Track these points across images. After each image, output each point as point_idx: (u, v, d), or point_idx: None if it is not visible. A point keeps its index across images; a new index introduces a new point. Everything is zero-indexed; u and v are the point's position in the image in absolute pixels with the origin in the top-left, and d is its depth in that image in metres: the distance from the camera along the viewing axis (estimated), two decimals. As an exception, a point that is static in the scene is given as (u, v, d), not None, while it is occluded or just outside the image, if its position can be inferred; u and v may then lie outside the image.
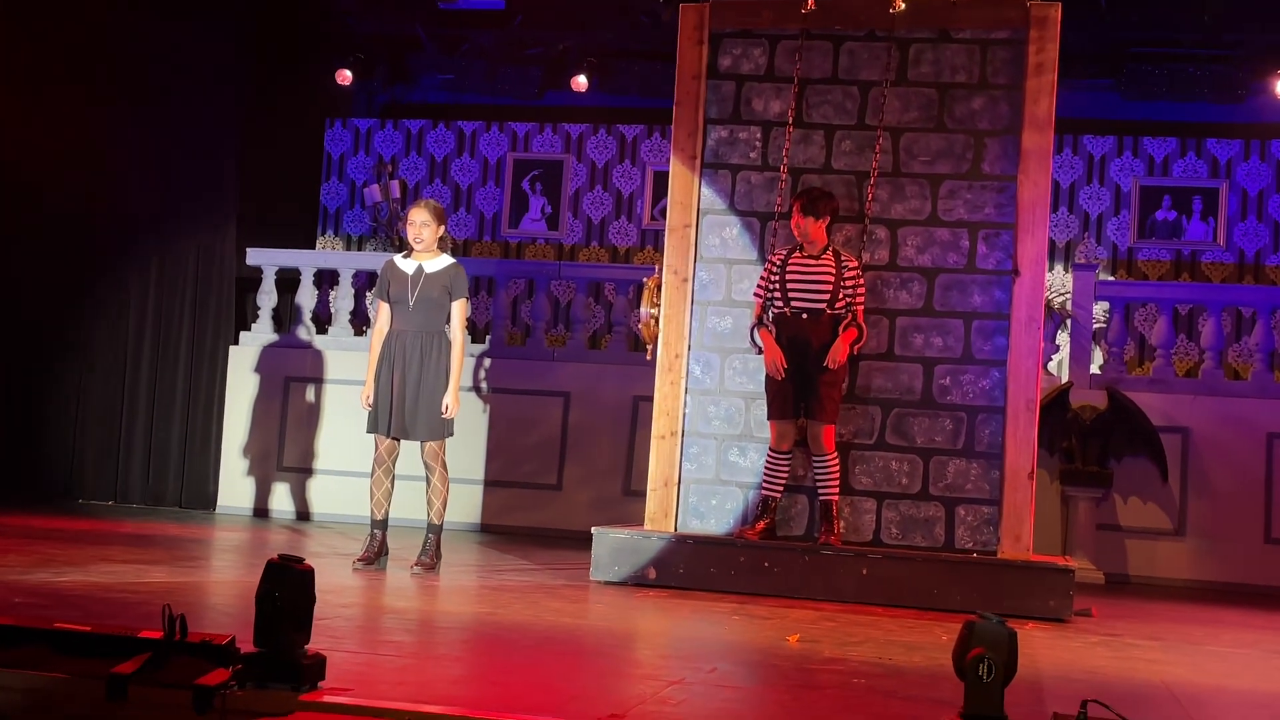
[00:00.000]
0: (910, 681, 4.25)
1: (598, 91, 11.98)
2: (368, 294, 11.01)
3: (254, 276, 10.69)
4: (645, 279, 7.41)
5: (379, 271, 6.94)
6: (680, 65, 7.32)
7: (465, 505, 9.84)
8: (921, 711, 3.72)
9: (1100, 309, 10.07)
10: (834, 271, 6.78)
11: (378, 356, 6.69)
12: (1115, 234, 11.62)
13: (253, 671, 3.16)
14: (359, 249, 12.43)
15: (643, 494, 7.35)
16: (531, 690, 3.71)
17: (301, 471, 10.22)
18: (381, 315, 6.76)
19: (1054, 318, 9.78)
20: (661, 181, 11.60)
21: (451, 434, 6.73)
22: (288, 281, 10.72)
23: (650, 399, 7.41)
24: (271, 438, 10.28)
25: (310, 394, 10.29)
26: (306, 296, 10.55)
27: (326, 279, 11.29)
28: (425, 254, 6.71)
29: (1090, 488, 9.10)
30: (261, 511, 10.20)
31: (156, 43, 10.45)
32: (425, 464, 6.69)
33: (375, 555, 6.69)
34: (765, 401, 6.91)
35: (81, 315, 10.56)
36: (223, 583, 6.12)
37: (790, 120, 7.21)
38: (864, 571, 6.60)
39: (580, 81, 11.77)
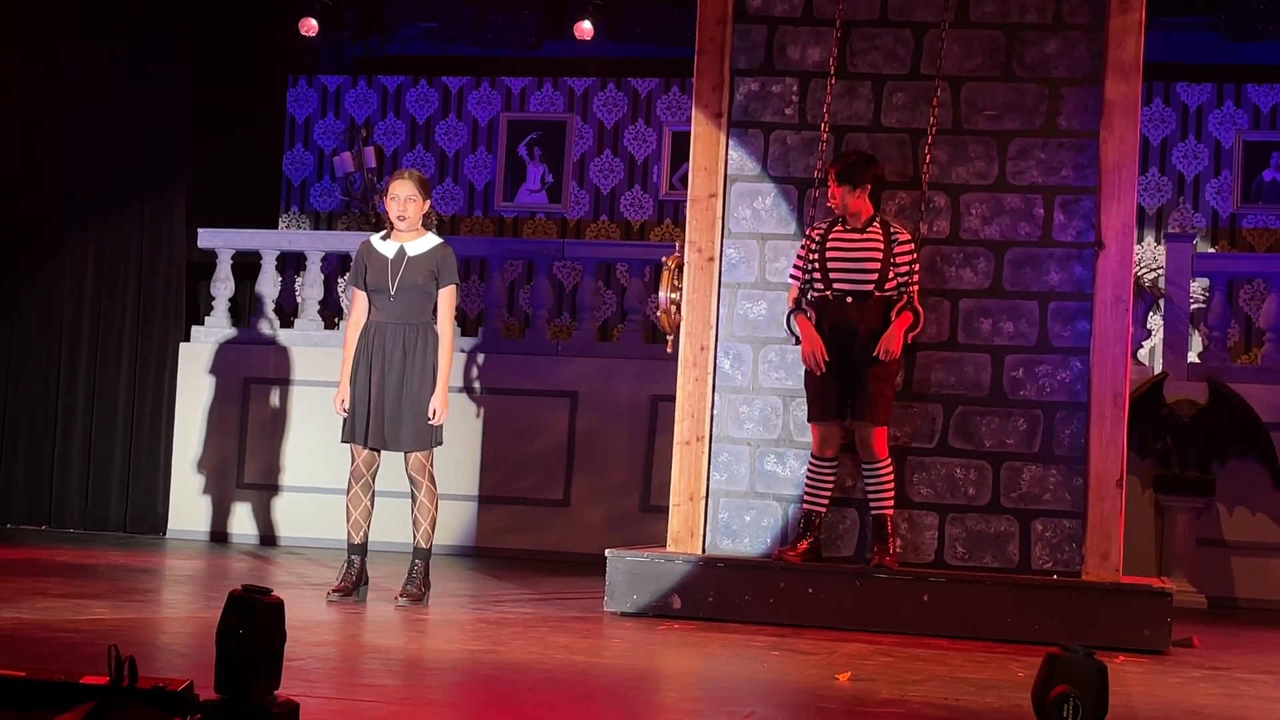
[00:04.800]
0: (981, 726, 4.25)
1: (605, 39, 11.97)
2: (340, 280, 11.03)
3: (207, 261, 10.72)
4: (664, 258, 7.41)
5: (353, 255, 6.95)
6: (702, 7, 7.31)
7: (457, 526, 9.86)
8: (995, 761, 3.72)
9: (1199, 286, 10.03)
10: (882, 246, 6.77)
11: (353, 353, 6.71)
12: (1215, 198, 11.58)
13: (214, 722, 3.17)
14: (329, 228, 12.46)
15: (664, 510, 7.35)
16: (538, 740, 3.72)
17: (265, 489, 10.25)
18: (357, 305, 6.77)
19: (1144, 297, 9.75)
20: (682, 144, 11.60)
21: (440, 443, 6.74)
22: (247, 267, 10.75)
23: (671, 399, 7.41)
24: (230, 450, 10.31)
25: (274, 398, 10.32)
26: (269, 284, 10.57)
27: (291, 263, 11.32)
28: (408, 233, 6.73)
29: (1189, 496, 9.08)
30: (219, 535, 10.23)
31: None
32: (410, 478, 6.71)
33: (353, 585, 6.71)
34: (805, 401, 6.91)
35: (6, 309, 10.60)
36: (177, 619, 6.14)
37: (832, 70, 7.20)
38: (925, 598, 6.60)
39: (585, 28, 11.77)
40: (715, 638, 6.14)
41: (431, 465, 6.70)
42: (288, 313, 10.86)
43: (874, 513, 6.84)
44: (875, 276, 6.76)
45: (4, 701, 3.23)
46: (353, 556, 6.73)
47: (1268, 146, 11.53)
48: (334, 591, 6.66)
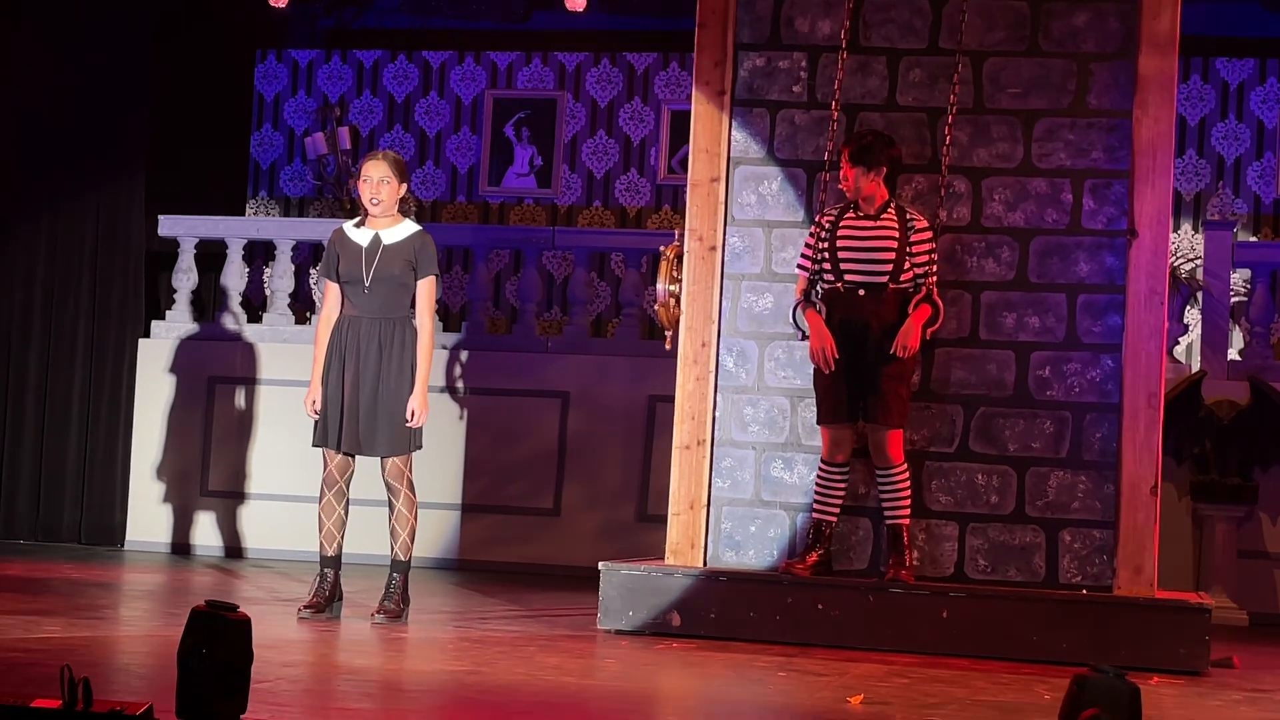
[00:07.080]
0: (1004, 752, 4.27)
1: (598, 11, 11.98)
2: (312, 271, 11.03)
3: (168, 250, 10.72)
4: (662, 248, 7.42)
5: (325, 243, 6.96)
6: (703, -24, 7.32)
7: (438, 537, 9.86)
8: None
9: (1240, 278, 10.04)
10: (897, 235, 6.78)
11: (325, 350, 6.71)
12: (1257, 183, 11.59)
13: (175, 749, 3.18)
14: (300, 215, 12.46)
15: (662, 520, 7.36)
16: (526, 769, 3.73)
17: (231, 496, 10.25)
18: (330, 298, 6.78)
19: (1181, 290, 9.75)
20: (681, 124, 11.60)
21: (420, 447, 6.75)
22: (211, 256, 10.75)
23: (670, 399, 7.42)
24: (192, 455, 10.31)
25: (240, 399, 10.32)
26: (235, 275, 10.58)
27: (259, 253, 11.31)
28: (384, 220, 6.73)
29: (1229, 505, 9.09)
30: (181, 547, 10.23)
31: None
32: (387, 485, 6.71)
33: (326, 601, 6.71)
34: (815, 402, 6.92)
35: (-48, 303, 10.61)
36: (135, 637, 6.14)
37: (843, 44, 7.20)
38: (944, 614, 6.61)
39: (576, -2, 11.77)
40: (717, 657, 6.15)
41: (410, 471, 6.71)
42: (255, 306, 10.86)
43: (889, 522, 6.84)
44: (890, 267, 6.76)
45: (-52, 726, 3.23)
46: (325, 570, 6.74)
47: (1314, 127, 11.53)
48: (305, 608, 6.67)
